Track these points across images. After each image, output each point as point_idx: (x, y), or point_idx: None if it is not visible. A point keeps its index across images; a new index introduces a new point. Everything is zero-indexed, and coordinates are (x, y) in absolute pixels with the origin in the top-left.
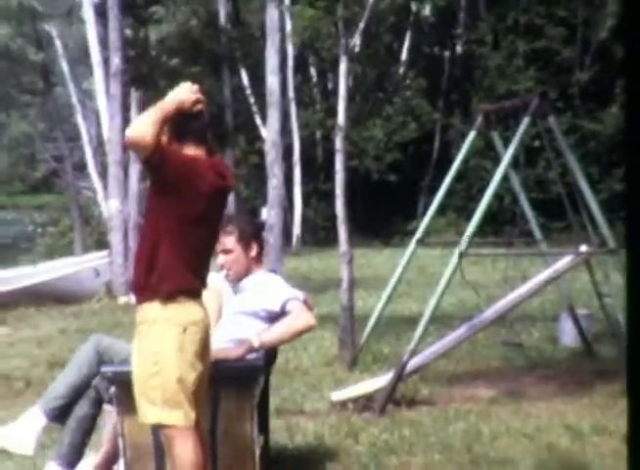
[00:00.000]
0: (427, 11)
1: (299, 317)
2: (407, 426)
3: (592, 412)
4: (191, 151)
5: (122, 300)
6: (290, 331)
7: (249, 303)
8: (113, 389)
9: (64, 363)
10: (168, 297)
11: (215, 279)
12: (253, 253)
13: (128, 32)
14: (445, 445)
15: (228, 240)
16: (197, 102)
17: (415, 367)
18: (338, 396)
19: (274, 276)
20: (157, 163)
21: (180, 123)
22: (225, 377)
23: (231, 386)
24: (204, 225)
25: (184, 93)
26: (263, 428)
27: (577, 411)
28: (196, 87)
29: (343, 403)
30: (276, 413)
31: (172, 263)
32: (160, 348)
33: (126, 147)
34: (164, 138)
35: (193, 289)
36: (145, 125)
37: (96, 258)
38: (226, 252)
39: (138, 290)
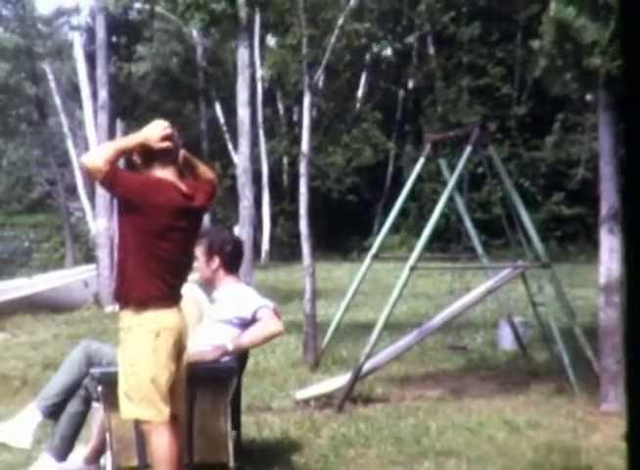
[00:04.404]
0: (388, 52)
1: (269, 324)
2: (363, 421)
3: (527, 409)
4: (157, 173)
5: (109, 309)
6: (260, 336)
7: (222, 312)
8: (100, 388)
9: (57, 365)
10: (139, 305)
11: (192, 290)
12: (214, 265)
13: (114, 69)
14: (397, 438)
15: (197, 249)
16: (163, 139)
17: (370, 369)
18: (301, 394)
19: (246, 286)
20: (109, 184)
21: (145, 152)
22: (202, 378)
23: (207, 385)
24: (169, 239)
25: (152, 132)
26: (236, 423)
27: (514, 408)
28: (166, 126)
29: (307, 401)
30: (246, 410)
31: (139, 274)
32: (135, 351)
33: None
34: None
35: (163, 297)
36: (97, 154)
37: (85, 272)
38: (195, 258)
39: (115, 298)
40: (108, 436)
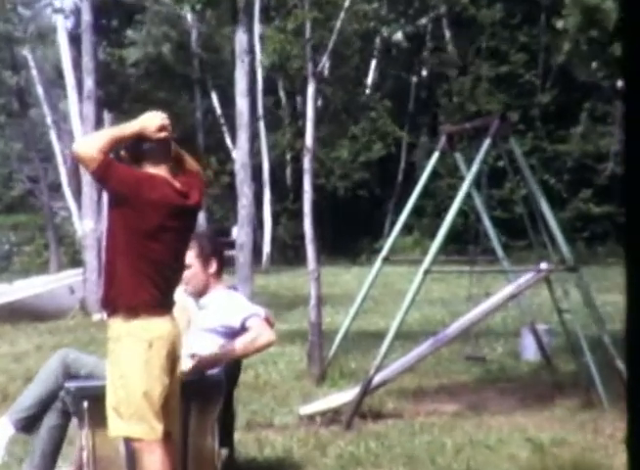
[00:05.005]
0: (399, 36)
1: (260, 334)
2: (373, 439)
3: (552, 425)
4: (150, 171)
5: (96, 317)
6: (250, 347)
7: (209, 319)
8: (85, 403)
9: None
10: (129, 312)
11: (181, 297)
12: (212, 269)
13: (102, 56)
14: (410, 457)
15: (188, 255)
16: (161, 129)
17: (381, 382)
18: (306, 410)
19: (234, 293)
20: (102, 176)
21: (135, 148)
22: (193, 391)
23: (193, 400)
24: (162, 240)
25: (149, 121)
26: (227, 442)
27: (537, 424)
28: (164, 116)
29: (312, 417)
30: (246, 427)
31: (129, 277)
32: (125, 363)
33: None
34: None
35: (155, 303)
36: (91, 141)
37: (70, 276)
38: (186, 266)
39: (103, 305)
40: (85, 455)
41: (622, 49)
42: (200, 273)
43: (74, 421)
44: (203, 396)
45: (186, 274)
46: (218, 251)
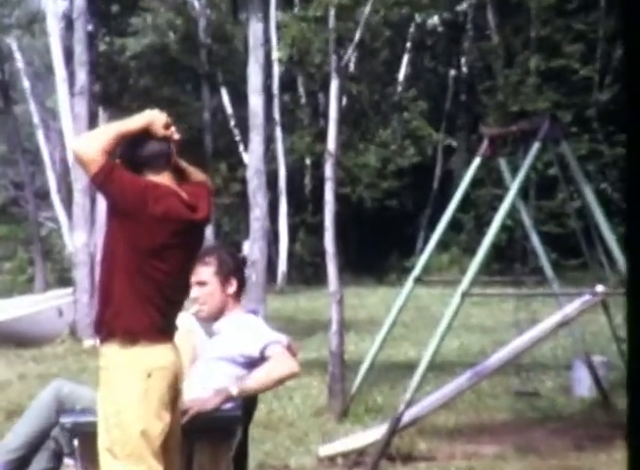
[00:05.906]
0: (435, 19)
1: (282, 364)
2: None
3: (610, 469)
4: (152, 179)
5: (88, 342)
6: (271, 378)
7: (225, 347)
8: (75, 441)
9: (22, 412)
10: (127, 337)
11: (187, 320)
12: (231, 289)
13: (103, 46)
14: None
15: (205, 271)
16: (167, 125)
17: (412, 419)
18: (326, 450)
19: (253, 317)
20: (103, 182)
21: (132, 153)
22: (199, 428)
23: (205, 438)
24: (166, 257)
25: (155, 115)
26: None
27: (593, 468)
28: (165, 115)
29: (332, 459)
30: (259, 469)
31: (128, 298)
32: (121, 396)
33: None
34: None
35: (156, 328)
36: (92, 139)
37: (59, 297)
38: (201, 284)
39: (96, 330)
40: None
41: (623, 49)
42: (217, 293)
43: (66, 462)
44: (217, 433)
45: (202, 293)
46: (240, 269)
